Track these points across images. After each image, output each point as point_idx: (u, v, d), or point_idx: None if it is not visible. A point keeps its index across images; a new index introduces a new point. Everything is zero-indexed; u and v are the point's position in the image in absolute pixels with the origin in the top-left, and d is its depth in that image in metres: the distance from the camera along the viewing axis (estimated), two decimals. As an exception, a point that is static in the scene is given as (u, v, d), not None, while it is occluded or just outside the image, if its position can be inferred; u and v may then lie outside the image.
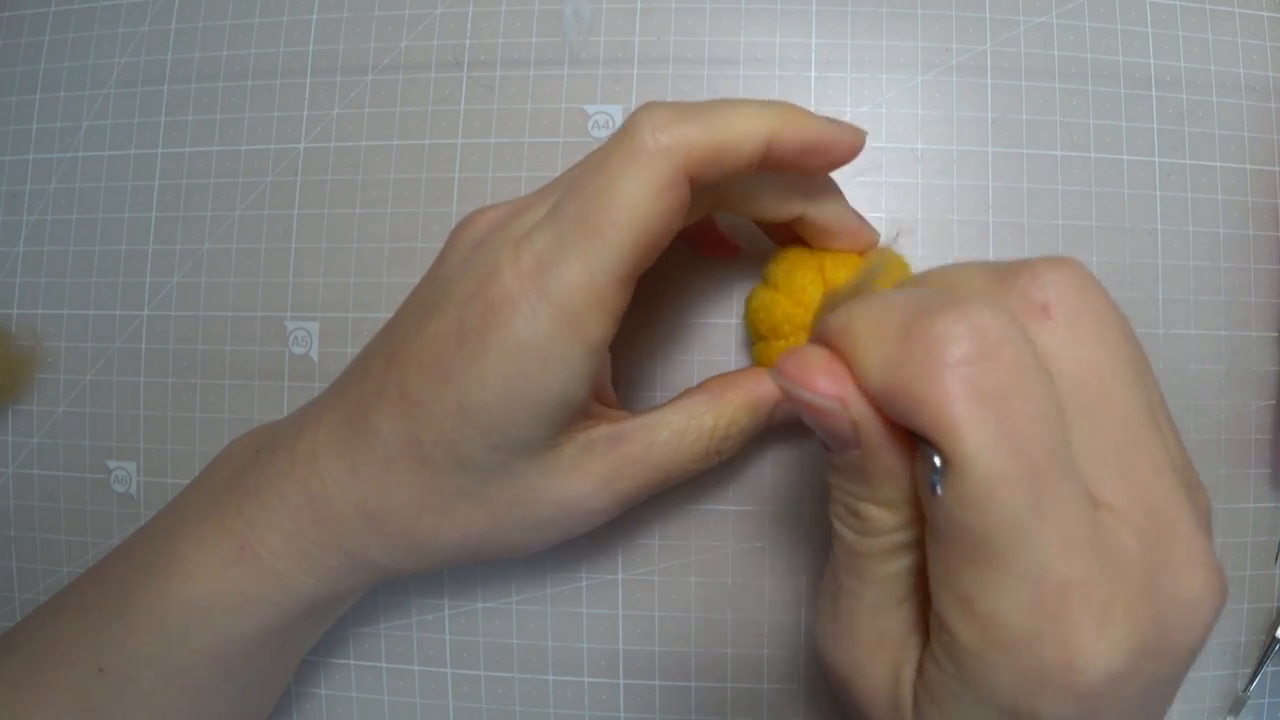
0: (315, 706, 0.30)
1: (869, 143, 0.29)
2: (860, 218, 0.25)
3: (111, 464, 0.31)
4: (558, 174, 0.28)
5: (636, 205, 0.19)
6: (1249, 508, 0.28)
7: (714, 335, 0.29)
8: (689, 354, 0.29)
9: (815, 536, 0.28)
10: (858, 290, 0.23)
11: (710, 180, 0.20)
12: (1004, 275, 0.16)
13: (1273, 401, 0.28)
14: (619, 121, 0.29)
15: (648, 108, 0.20)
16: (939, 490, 0.14)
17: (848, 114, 0.29)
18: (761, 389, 0.24)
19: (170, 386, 0.31)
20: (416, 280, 0.30)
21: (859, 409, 0.16)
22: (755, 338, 0.26)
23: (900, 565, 0.17)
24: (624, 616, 0.29)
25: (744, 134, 0.20)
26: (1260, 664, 0.28)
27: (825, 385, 0.16)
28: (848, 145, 0.22)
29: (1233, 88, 0.29)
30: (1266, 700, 0.29)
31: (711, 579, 0.28)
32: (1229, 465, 0.28)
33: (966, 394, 0.14)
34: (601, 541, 0.29)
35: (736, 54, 0.29)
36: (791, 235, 0.25)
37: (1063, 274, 0.16)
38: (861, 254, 0.25)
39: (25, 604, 0.31)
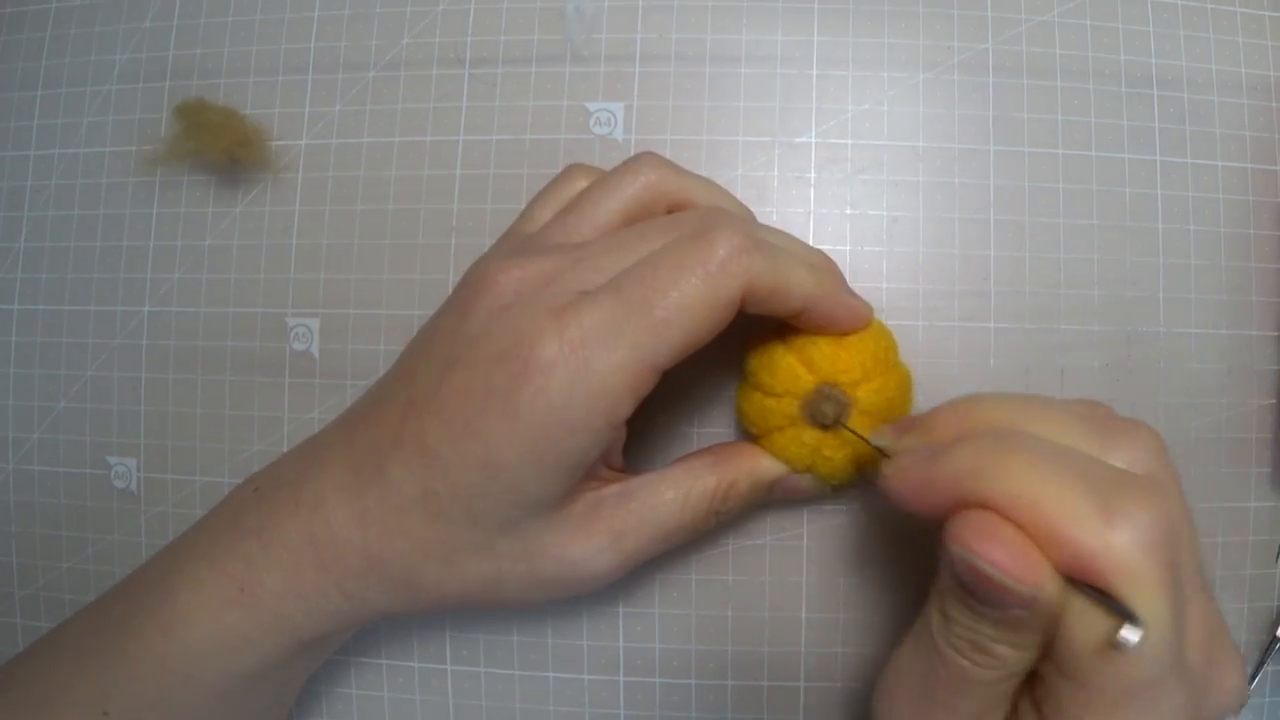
0: (315, 704, 0.30)
1: (871, 140, 0.29)
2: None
3: (112, 460, 0.31)
4: (559, 170, 0.28)
5: (696, 311, 0.21)
6: (1249, 507, 0.28)
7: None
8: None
9: (816, 535, 0.28)
10: (873, 374, 0.24)
11: (749, 309, 0.22)
12: (1105, 439, 0.19)
13: (1273, 400, 0.28)
14: (620, 119, 0.29)
15: (730, 229, 0.21)
16: (1127, 647, 0.16)
17: (849, 112, 0.29)
18: (762, 466, 0.25)
19: (171, 382, 0.31)
20: (416, 277, 0.30)
21: (1050, 590, 0.17)
22: (756, 433, 0.26)
23: (1009, 685, 0.19)
24: (624, 614, 0.29)
25: (795, 289, 0.22)
26: (1260, 663, 0.28)
27: (1022, 570, 0.17)
28: (861, 324, 0.24)
29: (1234, 87, 0.29)
30: (1266, 699, 0.29)
31: (712, 577, 0.28)
32: (1230, 464, 0.28)
33: (1164, 571, 0.17)
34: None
35: (738, 52, 0.30)
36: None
37: (1156, 448, 0.20)
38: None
39: (25, 600, 0.31)
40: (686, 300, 0.20)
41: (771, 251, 0.22)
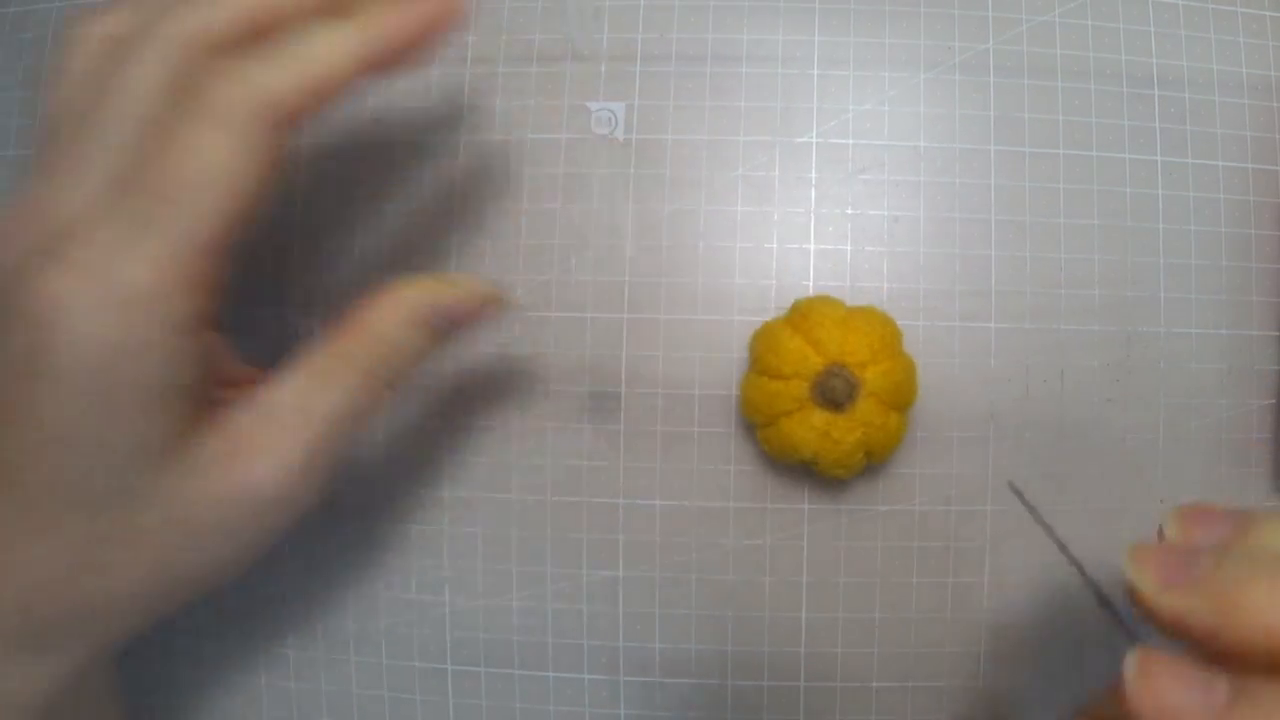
0: (315, 704, 0.30)
1: (872, 140, 0.29)
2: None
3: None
4: (560, 170, 0.28)
5: (220, 170, 0.17)
6: (1249, 507, 0.28)
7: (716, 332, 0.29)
8: (693, 351, 0.29)
9: (815, 535, 0.28)
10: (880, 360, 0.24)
11: (306, 119, 0.19)
12: None
13: (1273, 400, 0.28)
14: (621, 118, 0.29)
15: (226, 74, 0.18)
16: None
17: (850, 112, 0.29)
18: (385, 326, 0.21)
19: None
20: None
21: None
22: (761, 421, 0.26)
23: None
24: (624, 614, 0.29)
25: (333, 70, 0.19)
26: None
27: None
28: (446, 12, 0.20)
29: (1235, 87, 0.29)
30: (1267, 700, 0.29)
31: (712, 576, 0.28)
32: (1229, 464, 0.28)
33: None
34: (602, 538, 0.29)
35: (739, 51, 0.30)
36: None
37: None
38: (835, 311, 0.26)
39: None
40: (205, 164, 0.17)
41: (278, 52, 0.18)
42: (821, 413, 0.25)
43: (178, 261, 0.17)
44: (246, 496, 0.19)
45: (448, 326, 0.22)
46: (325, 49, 0.18)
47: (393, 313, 0.21)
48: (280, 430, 0.19)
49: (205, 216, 0.18)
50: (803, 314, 0.26)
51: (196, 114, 0.18)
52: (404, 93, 0.30)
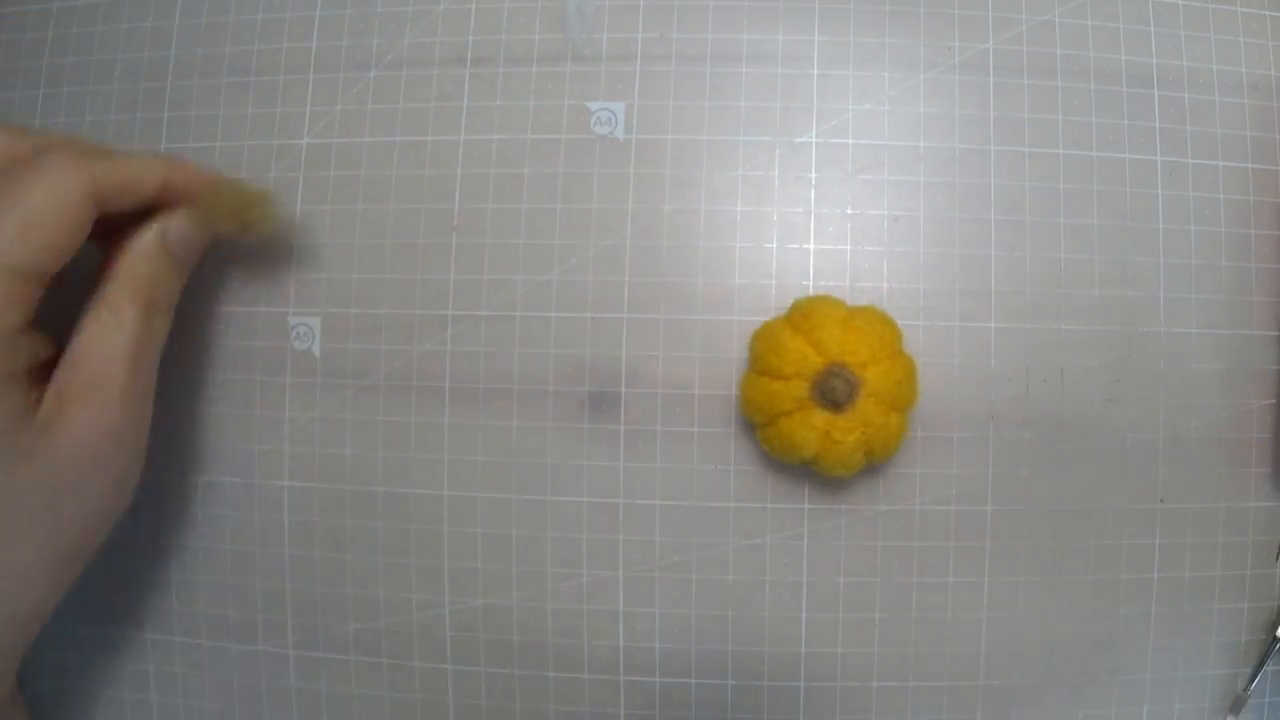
0: (315, 703, 0.30)
1: (871, 140, 0.29)
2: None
3: (113, 459, 0.31)
4: (560, 170, 0.28)
5: (51, 211, 0.22)
6: (1249, 507, 0.28)
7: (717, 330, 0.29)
8: (692, 350, 0.29)
9: (816, 535, 0.28)
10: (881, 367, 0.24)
11: (115, 206, 0.24)
12: None
13: (1273, 400, 0.28)
14: (621, 118, 0.29)
15: (59, 147, 0.23)
16: None
17: (850, 112, 0.29)
18: (145, 236, 0.25)
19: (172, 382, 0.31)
20: (418, 276, 0.30)
21: None
22: (761, 421, 0.26)
23: None
24: (624, 613, 0.29)
25: (146, 175, 0.24)
26: (1260, 663, 0.28)
27: None
28: (210, 181, 0.27)
29: (1235, 87, 0.29)
30: (1267, 699, 0.29)
31: (712, 576, 0.28)
32: (1229, 464, 0.28)
33: None
34: (603, 537, 0.29)
35: (739, 51, 0.30)
36: None
37: None
38: (835, 309, 0.26)
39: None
40: (37, 206, 0.22)
41: (108, 154, 0.24)
42: (822, 413, 0.25)
43: (11, 280, 0.22)
44: (89, 436, 0.23)
45: (182, 249, 0.26)
46: (138, 162, 0.24)
47: (137, 253, 0.25)
48: (89, 377, 0.23)
49: (29, 257, 0.22)
50: (803, 314, 0.26)
51: (29, 185, 0.22)
52: (405, 93, 0.30)
